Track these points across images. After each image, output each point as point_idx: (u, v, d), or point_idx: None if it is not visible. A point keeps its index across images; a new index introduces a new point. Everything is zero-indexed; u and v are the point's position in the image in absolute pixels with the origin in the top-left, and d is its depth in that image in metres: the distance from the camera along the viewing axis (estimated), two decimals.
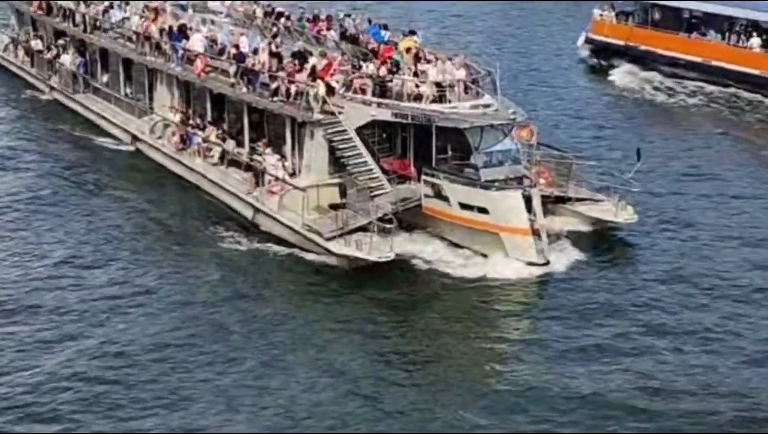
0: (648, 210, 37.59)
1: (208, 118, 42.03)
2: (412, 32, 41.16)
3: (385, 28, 43.65)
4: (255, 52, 40.34)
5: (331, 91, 36.95)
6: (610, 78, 58.88)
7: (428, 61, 37.26)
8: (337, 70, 38.02)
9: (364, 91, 36.62)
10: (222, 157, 39.95)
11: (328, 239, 33.36)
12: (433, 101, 35.38)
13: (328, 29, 44.66)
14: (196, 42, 42.47)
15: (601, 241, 35.58)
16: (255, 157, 38.72)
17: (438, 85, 35.37)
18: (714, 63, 56.04)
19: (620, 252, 35.07)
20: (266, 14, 48.13)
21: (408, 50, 39.09)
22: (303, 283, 32.83)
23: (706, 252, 35.01)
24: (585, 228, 35.92)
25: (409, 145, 36.18)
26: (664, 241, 35.76)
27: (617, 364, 28.13)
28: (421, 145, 35.67)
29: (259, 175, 37.29)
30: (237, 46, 41.43)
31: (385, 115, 35.51)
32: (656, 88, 56.92)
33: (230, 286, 32.58)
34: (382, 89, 36.31)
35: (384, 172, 35.85)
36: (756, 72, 54.41)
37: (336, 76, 37.85)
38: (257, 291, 32.45)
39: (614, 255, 34.89)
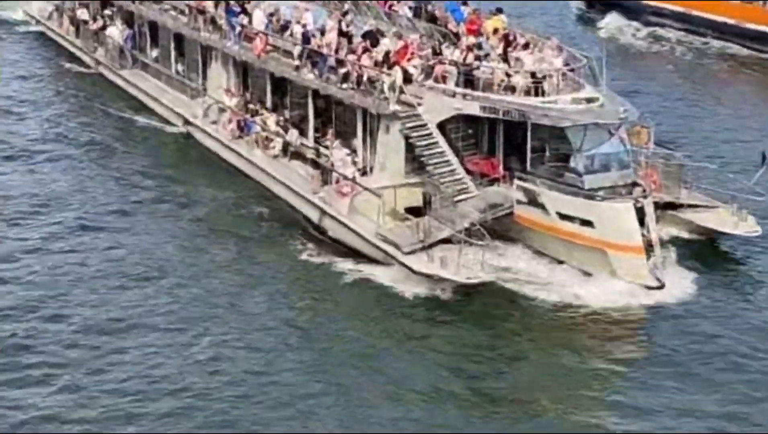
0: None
1: (268, 104, 37.73)
2: (499, 10, 36.30)
3: (464, 3, 38.92)
4: (322, 31, 35.93)
5: (408, 78, 32.57)
6: (600, 30, 58.90)
7: (523, 46, 32.64)
8: (415, 54, 33.58)
9: (445, 80, 32.13)
10: (284, 149, 35.65)
11: (408, 253, 29.05)
12: (527, 93, 30.82)
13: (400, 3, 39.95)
14: (257, 20, 38.07)
15: (720, 256, 30.97)
16: (321, 150, 34.48)
17: (533, 75, 30.78)
18: (694, 12, 56.08)
19: (744, 271, 30.34)
20: None
21: (495, 32, 34.52)
22: (376, 303, 28.60)
23: None
24: (700, 239, 31.32)
25: (499, 142, 31.62)
26: None
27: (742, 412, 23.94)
28: (513, 143, 31.25)
29: (326, 172, 33.02)
30: (302, 24, 37.11)
31: (472, 108, 31.02)
32: (656, 40, 56.96)
33: (292, 301, 28.67)
34: (467, 78, 31.75)
35: (469, 172, 31.41)
36: (731, 21, 54.47)
37: (413, 61, 33.43)
38: (322, 309, 28.45)
39: (736, 274, 30.18)
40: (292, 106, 37.03)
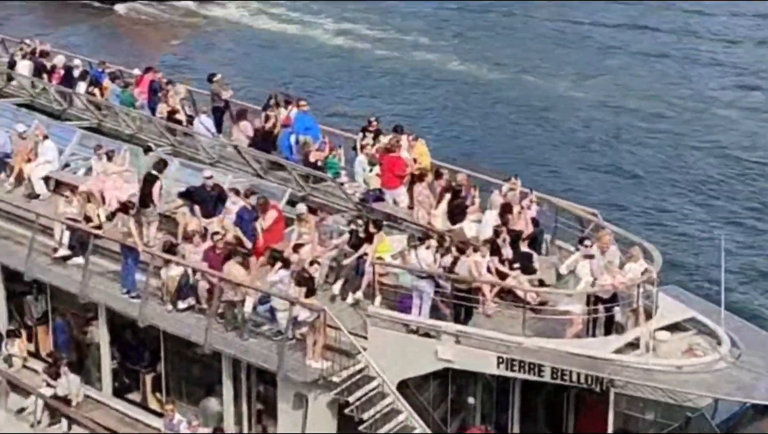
0: None
1: (2, 324, 21.01)
2: (398, 130, 21.25)
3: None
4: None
5: (310, 289, 17.38)
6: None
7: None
8: (316, 243, 18.54)
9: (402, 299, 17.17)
10: (54, 415, 19.18)
11: None
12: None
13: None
14: None
15: None
16: (134, 415, 18.69)
17: (602, 301, 16.27)
18: None
19: None
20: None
21: (421, 177, 19.77)
22: None
23: None
24: None
25: (513, 409, 17.17)
26: None
27: None
28: (540, 409, 17.08)
29: None
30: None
31: (482, 362, 16.32)
32: None
33: None
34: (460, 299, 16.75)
35: None
36: None
37: (305, 251, 18.20)
38: None
39: None
40: (57, 328, 20.61)
